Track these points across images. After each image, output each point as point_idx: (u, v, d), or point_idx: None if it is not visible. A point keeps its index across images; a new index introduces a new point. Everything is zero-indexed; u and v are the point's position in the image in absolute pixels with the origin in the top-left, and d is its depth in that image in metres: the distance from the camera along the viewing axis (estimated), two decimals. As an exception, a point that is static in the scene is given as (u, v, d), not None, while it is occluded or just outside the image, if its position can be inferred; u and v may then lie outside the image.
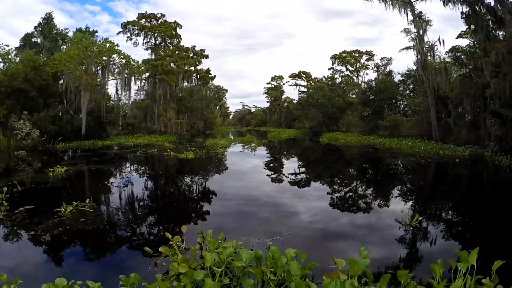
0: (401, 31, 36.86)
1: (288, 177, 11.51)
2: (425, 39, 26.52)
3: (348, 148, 22.76)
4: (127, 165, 15.22)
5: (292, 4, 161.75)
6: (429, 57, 26.78)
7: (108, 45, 23.45)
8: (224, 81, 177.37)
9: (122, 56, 24.47)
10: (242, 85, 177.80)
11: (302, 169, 14.39)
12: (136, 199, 8.28)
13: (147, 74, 32.78)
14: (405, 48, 39.09)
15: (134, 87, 32.43)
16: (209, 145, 22.33)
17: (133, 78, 26.74)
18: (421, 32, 26.95)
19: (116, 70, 25.17)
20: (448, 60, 27.21)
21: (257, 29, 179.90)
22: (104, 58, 23.42)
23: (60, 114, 26.00)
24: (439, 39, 26.92)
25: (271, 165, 15.42)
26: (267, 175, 12.15)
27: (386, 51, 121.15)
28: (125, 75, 25.83)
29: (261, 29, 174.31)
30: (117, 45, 24.51)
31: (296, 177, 11.86)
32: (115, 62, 24.80)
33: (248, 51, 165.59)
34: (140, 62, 29.76)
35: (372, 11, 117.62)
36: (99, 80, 24.79)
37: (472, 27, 22.49)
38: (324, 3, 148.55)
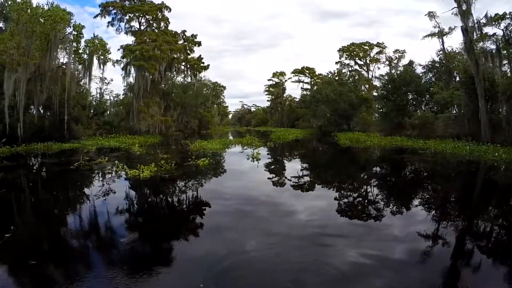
0: (425, 15, 32.22)
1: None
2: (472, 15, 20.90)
3: (387, 156, 16.70)
4: (22, 190, 8.83)
5: (289, 6, 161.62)
6: (477, 38, 21.07)
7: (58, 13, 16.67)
8: (222, 81, 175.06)
9: (71, 25, 17.52)
10: (241, 86, 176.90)
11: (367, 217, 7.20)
12: None
13: (125, 61, 26.93)
14: (428, 35, 33.91)
15: (97, 72, 26.22)
16: (194, 150, 16.63)
17: (96, 61, 20.35)
18: (464, 7, 21.33)
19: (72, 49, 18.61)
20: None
21: (255, 30, 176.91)
22: (48, 27, 16.59)
23: (4, 109, 20.39)
24: (486, 15, 21.26)
25: (295, 195, 8.00)
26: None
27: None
28: (85, 56, 19.57)
29: (259, 30, 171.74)
30: (70, 13, 17.93)
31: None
32: (65, 35, 18.21)
33: (246, 52, 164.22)
34: (115, 48, 23.73)
35: (369, 12, 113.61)
36: (56, 63, 18.63)
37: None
38: (320, 5, 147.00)
